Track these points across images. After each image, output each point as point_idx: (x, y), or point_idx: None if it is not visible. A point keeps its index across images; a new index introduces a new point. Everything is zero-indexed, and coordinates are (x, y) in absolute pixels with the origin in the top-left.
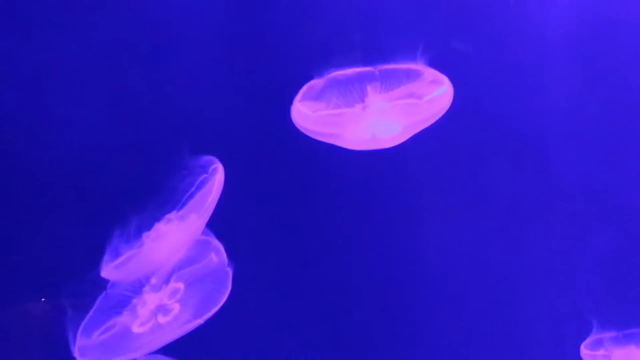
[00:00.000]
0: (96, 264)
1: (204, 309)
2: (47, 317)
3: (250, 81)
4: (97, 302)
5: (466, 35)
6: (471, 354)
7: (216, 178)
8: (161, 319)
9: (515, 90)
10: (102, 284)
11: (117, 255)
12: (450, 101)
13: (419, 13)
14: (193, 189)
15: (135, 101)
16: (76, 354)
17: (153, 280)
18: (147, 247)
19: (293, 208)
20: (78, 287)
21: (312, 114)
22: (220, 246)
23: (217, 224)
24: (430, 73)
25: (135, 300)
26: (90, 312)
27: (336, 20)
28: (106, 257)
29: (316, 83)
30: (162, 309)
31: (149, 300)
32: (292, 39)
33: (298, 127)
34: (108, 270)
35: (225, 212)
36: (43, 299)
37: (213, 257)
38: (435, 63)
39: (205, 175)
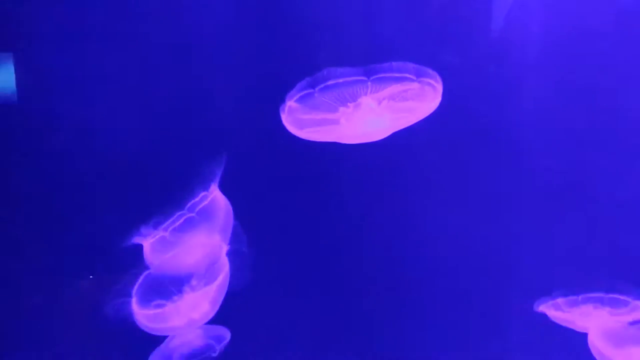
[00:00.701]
0: (134, 247)
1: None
2: (95, 292)
3: (257, 84)
4: (142, 287)
5: (452, 42)
6: (457, 321)
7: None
8: (194, 315)
9: (493, 94)
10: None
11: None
12: (437, 102)
13: (410, 21)
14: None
15: (160, 106)
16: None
17: (194, 282)
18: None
19: (296, 201)
20: (121, 265)
21: (305, 117)
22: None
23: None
24: (418, 76)
25: (175, 298)
26: (137, 294)
27: (333, 26)
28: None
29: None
30: (196, 306)
31: (187, 299)
32: (294, 43)
33: (291, 130)
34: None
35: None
36: (91, 277)
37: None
38: (423, 67)
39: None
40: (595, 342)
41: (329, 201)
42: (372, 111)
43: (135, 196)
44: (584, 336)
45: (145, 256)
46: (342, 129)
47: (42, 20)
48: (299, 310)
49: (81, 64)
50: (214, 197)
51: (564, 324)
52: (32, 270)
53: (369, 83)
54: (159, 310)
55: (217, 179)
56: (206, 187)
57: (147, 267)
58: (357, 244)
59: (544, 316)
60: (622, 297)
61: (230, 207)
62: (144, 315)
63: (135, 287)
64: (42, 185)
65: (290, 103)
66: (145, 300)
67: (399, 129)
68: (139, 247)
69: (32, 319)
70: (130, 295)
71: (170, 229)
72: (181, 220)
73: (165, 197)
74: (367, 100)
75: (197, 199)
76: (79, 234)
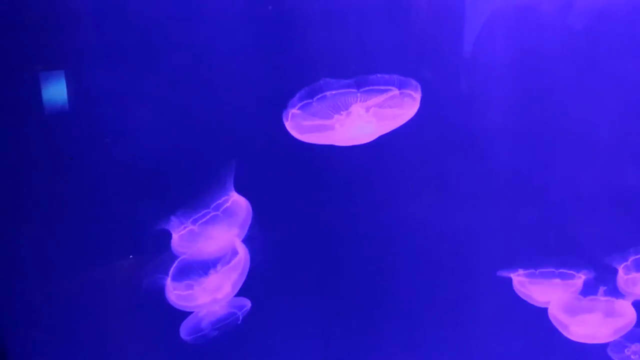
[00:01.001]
0: (166, 233)
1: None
2: (134, 271)
3: (265, 95)
4: (175, 269)
5: (430, 60)
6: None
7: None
8: (218, 295)
9: (463, 104)
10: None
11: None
12: (416, 110)
13: (394, 42)
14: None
15: (190, 114)
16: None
17: (219, 267)
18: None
19: (298, 196)
20: (158, 247)
21: (305, 123)
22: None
23: None
24: (400, 87)
25: (202, 280)
26: (171, 274)
27: (330, 44)
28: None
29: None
30: (219, 287)
31: (212, 280)
32: (295, 60)
33: (292, 133)
34: (174, 241)
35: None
36: (131, 256)
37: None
38: (406, 79)
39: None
40: (554, 313)
41: (326, 195)
42: (362, 118)
43: (168, 190)
44: (543, 310)
45: (174, 244)
46: (336, 133)
47: (90, 41)
48: (303, 290)
49: (121, 79)
50: (236, 198)
51: (524, 297)
52: (83, 250)
53: (359, 94)
54: (189, 291)
55: (234, 181)
56: (229, 190)
57: (176, 253)
58: (350, 229)
59: (509, 291)
60: (572, 272)
61: (249, 206)
62: (175, 293)
63: (171, 269)
64: (89, 182)
65: (293, 111)
66: (178, 280)
67: (384, 132)
68: (171, 234)
69: (77, 295)
70: (164, 275)
71: (198, 223)
72: (207, 217)
73: (192, 193)
74: (357, 109)
75: (221, 200)
76: (121, 221)
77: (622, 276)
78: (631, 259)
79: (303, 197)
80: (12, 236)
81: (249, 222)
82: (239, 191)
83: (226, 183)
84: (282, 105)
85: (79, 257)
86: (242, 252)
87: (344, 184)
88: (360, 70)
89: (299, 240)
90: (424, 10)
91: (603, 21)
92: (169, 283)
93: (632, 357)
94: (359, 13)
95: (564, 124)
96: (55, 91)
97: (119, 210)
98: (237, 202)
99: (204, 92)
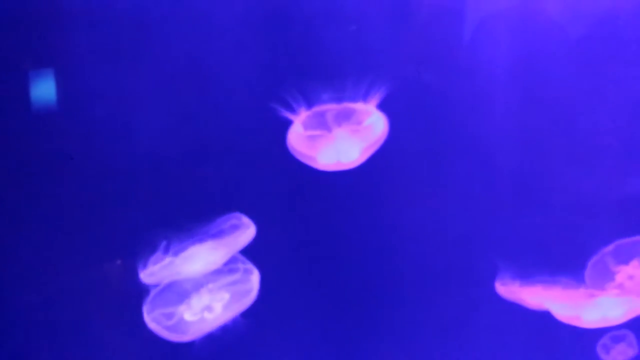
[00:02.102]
0: (159, 235)
1: (234, 310)
2: (121, 275)
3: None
4: (164, 285)
5: (429, 62)
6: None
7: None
8: (207, 315)
9: (463, 105)
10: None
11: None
12: (386, 129)
13: (393, 45)
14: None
15: (184, 114)
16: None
17: (210, 286)
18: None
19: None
20: (147, 251)
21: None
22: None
23: None
24: (371, 107)
25: (193, 295)
26: (158, 292)
27: (328, 49)
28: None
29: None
30: (209, 307)
31: (204, 299)
32: (294, 68)
33: (293, 150)
34: (147, 273)
35: None
36: (118, 261)
37: (242, 271)
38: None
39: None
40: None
41: (325, 196)
42: (343, 139)
43: (160, 192)
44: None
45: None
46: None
47: (80, 40)
48: (298, 296)
49: (111, 77)
50: (234, 219)
51: (517, 301)
52: (74, 253)
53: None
54: (176, 312)
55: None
56: (228, 210)
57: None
58: (350, 233)
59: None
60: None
61: (249, 226)
62: (160, 314)
63: (155, 291)
64: (77, 183)
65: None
66: (163, 303)
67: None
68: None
69: (62, 298)
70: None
71: (191, 246)
72: (203, 238)
73: (186, 195)
74: (339, 129)
75: (219, 221)
76: (109, 225)
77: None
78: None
79: (302, 197)
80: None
81: (247, 241)
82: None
83: (224, 202)
84: (279, 107)
85: (67, 260)
86: (238, 275)
87: (343, 188)
88: (358, 71)
89: (298, 241)
90: (423, 11)
91: (603, 23)
92: (149, 305)
93: (618, 357)
94: (359, 14)
95: (564, 126)
96: (45, 90)
97: (109, 212)
98: (235, 221)
99: (198, 91)
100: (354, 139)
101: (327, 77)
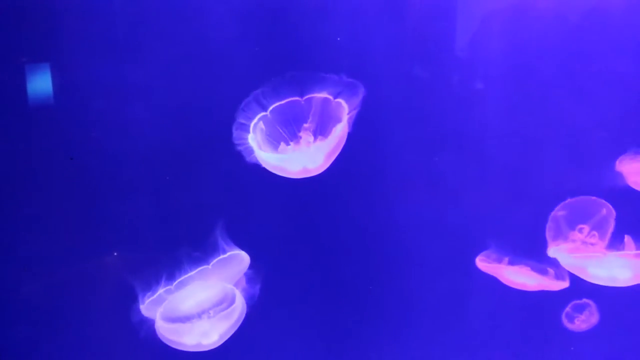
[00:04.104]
0: (156, 228)
1: (227, 334)
2: (118, 268)
3: None
4: (165, 304)
5: (423, 59)
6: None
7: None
8: (204, 341)
9: (456, 100)
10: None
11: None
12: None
13: (388, 41)
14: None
15: (179, 107)
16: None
17: (211, 312)
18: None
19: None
20: (145, 245)
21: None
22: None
23: None
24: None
25: (195, 321)
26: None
27: (322, 43)
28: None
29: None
30: (206, 334)
31: (203, 325)
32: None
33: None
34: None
35: None
36: (115, 254)
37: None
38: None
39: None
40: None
41: (321, 193)
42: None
43: (155, 185)
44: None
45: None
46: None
47: (76, 34)
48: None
49: (108, 72)
50: (230, 252)
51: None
52: (68, 246)
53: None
54: (177, 327)
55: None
56: (223, 244)
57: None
58: (345, 227)
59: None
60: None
61: (244, 257)
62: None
63: (159, 309)
64: (73, 176)
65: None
66: (168, 319)
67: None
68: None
69: (61, 291)
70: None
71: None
72: (197, 270)
73: (180, 189)
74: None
75: (214, 255)
76: (105, 218)
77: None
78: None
79: (298, 197)
80: None
81: (242, 271)
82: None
83: (222, 238)
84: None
85: (64, 254)
86: (239, 302)
87: (338, 184)
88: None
89: (293, 242)
90: (418, 8)
91: (593, 20)
92: (158, 319)
93: (582, 325)
94: (353, 10)
95: (556, 122)
96: (41, 84)
97: (106, 206)
98: (230, 255)
99: (194, 86)
100: (321, 145)
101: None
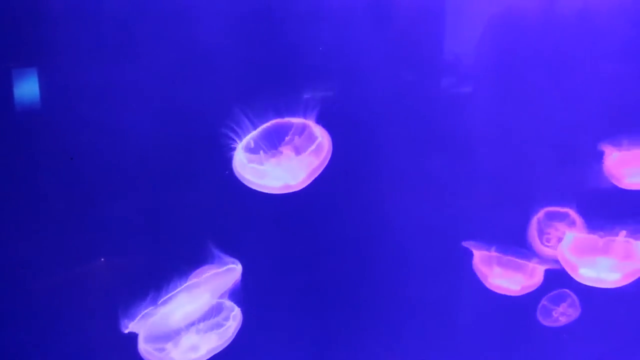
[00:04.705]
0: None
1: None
2: (104, 274)
3: None
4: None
5: (411, 62)
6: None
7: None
8: (192, 355)
9: (444, 104)
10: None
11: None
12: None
13: (376, 45)
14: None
15: (171, 110)
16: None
17: (201, 325)
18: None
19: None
20: (132, 250)
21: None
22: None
23: None
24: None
25: (183, 334)
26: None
27: (310, 49)
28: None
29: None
30: (195, 347)
31: (192, 339)
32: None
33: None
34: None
35: None
36: (102, 259)
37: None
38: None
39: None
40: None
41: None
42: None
43: (142, 188)
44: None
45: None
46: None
47: (63, 38)
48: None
49: (96, 76)
50: (220, 262)
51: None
52: (58, 251)
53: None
54: (162, 348)
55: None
56: (213, 253)
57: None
58: (336, 229)
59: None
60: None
61: (235, 267)
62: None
63: (145, 327)
64: (62, 181)
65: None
66: (152, 340)
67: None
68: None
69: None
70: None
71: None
72: (187, 284)
73: (173, 191)
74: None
75: (204, 266)
76: (93, 225)
77: None
78: None
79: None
80: None
81: (232, 283)
82: None
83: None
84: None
85: (53, 258)
86: (228, 313)
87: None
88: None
89: (286, 243)
90: (407, 12)
91: (581, 22)
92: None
93: (560, 318)
94: (344, 14)
95: (544, 123)
96: (29, 88)
97: (94, 212)
98: (221, 270)
99: (184, 91)
100: (301, 160)
101: (307, 78)
